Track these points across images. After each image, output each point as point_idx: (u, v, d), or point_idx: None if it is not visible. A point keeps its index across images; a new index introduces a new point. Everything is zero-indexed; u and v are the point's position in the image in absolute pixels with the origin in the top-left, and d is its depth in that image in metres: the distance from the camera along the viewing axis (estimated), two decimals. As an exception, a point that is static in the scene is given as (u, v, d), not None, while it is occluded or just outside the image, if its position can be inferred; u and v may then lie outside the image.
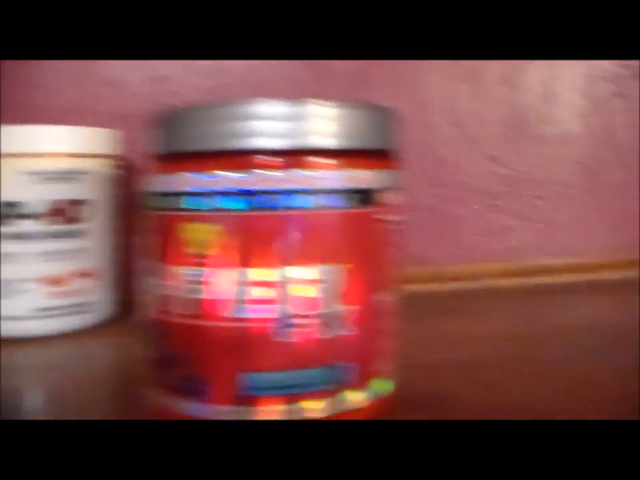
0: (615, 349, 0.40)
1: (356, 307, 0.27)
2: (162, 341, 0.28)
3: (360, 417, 0.27)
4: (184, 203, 0.26)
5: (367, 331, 0.27)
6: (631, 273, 0.63)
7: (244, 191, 0.25)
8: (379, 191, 0.27)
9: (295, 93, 0.56)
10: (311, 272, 0.26)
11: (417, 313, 0.46)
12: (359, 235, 0.27)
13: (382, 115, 0.29)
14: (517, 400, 0.31)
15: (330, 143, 0.26)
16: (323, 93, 0.56)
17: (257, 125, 0.25)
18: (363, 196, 0.27)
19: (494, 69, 0.59)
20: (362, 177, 0.27)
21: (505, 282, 0.59)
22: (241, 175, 0.25)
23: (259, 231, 0.25)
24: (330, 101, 0.26)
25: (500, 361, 0.37)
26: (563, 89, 0.61)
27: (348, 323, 0.26)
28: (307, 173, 0.25)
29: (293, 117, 0.25)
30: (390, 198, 0.28)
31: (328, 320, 0.26)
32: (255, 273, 0.25)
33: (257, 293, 0.25)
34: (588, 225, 0.64)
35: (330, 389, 0.26)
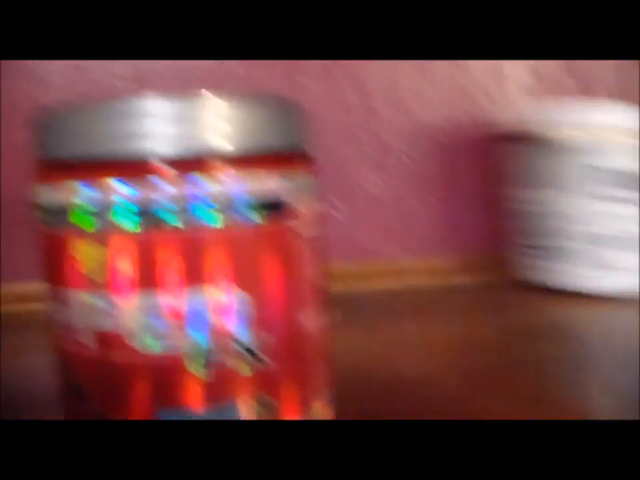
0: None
1: (275, 335, 0.23)
2: (66, 372, 0.24)
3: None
4: (71, 218, 0.22)
5: (289, 360, 0.24)
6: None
7: (136, 205, 0.21)
8: (291, 200, 0.24)
9: (222, 80, 0.52)
10: (221, 299, 0.22)
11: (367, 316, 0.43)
12: (273, 252, 0.23)
13: (290, 111, 0.25)
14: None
15: (231, 145, 0.22)
16: (254, 80, 0.52)
17: (147, 125, 0.21)
18: (274, 208, 0.23)
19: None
20: (271, 184, 0.23)
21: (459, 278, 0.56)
22: (132, 186, 0.21)
23: (157, 252, 0.21)
24: (231, 95, 0.23)
25: (449, 373, 0.34)
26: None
27: (266, 352, 0.23)
28: (208, 182, 0.22)
29: (188, 116, 0.22)
30: (306, 207, 0.24)
31: (243, 350, 0.22)
32: (157, 300, 0.22)
33: (159, 322, 0.22)
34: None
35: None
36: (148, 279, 0.22)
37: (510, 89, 0.58)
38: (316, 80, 0.53)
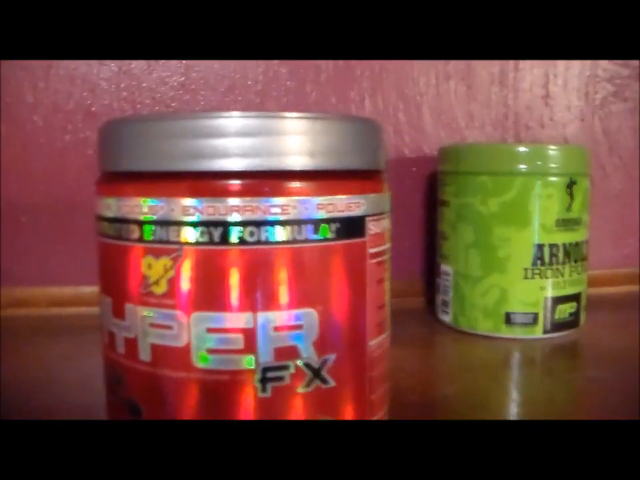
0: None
1: (339, 353, 0.23)
2: (118, 385, 0.24)
3: None
4: (137, 232, 0.23)
5: (351, 380, 0.24)
6: (636, 287, 0.60)
7: (204, 221, 0.22)
8: (365, 219, 0.24)
9: (269, 90, 0.53)
10: (286, 316, 0.22)
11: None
12: (341, 269, 0.23)
13: (367, 130, 0.26)
14: None
15: (306, 163, 0.23)
16: (301, 91, 0.53)
17: (219, 142, 0.22)
18: (346, 226, 0.23)
19: (487, 68, 0.56)
20: (344, 203, 0.23)
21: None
22: (201, 202, 0.22)
23: (225, 269, 0.22)
24: (305, 113, 0.23)
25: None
26: (559, 89, 0.58)
27: (329, 371, 0.23)
28: (279, 200, 0.22)
29: (261, 133, 0.22)
30: (378, 226, 0.25)
31: (306, 369, 0.23)
32: (221, 318, 0.22)
33: (223, 340, 0.22)
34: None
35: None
36: (211, 295, 0.22)
37: (558, 112, 0.58)
38: (366, 96, 0.54)
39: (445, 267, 0.48)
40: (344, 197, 0.23)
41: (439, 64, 0.55)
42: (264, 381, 0.22)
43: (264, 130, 0.22)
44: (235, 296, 0.22)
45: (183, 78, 0.52)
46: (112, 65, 0.51)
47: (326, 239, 0.23)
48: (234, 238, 0.22)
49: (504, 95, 0.57)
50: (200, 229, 0.22)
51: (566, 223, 0.44)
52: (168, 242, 0.22)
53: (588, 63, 0.59)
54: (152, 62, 0.52)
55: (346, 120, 0.24)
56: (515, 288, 0.44)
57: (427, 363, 0.41)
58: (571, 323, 0.46)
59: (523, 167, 0.44)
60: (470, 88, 0.56)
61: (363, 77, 0.54)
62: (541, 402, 0.35)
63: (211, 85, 0.53)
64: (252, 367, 0.22)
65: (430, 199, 0.55)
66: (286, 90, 0.53)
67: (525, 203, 0.43)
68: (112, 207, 0.24)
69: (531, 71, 0.57)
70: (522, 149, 0.44)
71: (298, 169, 0.22)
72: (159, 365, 0.23)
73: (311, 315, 0.23)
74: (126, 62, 0.51)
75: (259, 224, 0.22)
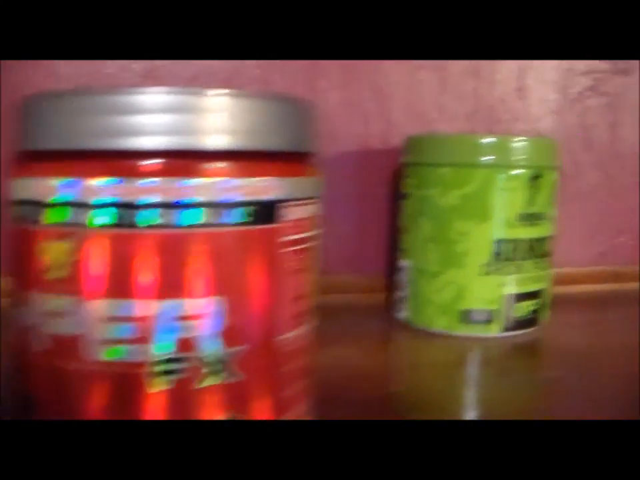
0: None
1: (250, 345, 0.23)
2: (20, 380, 0.24)
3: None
4: (43, 214, 0.22)
5: (263, 373, 0.23)
6: (609, 287, 0.60)
7: (116, 202, 0.21)
8: (280, 203, 0.23)
9: (238, 82, 0.52)
10: (191, 305, 0.22)
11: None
12: (256, 257, 0.23)
13: (294, 111, 0.25)
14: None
15: (224, 142, 0.22)
16: (267, 80, 0.52)
17: (134, 119, 0.21)
18: (258, 210, 0.22)
19: (460, 60, 0.55)
20: (263, 186, 0.23)
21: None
22: (113, 182, 0.21)
23: (124, 253, 0.21)
24: (228, 90, 0.22)
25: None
26: (534, 82, 0.57)
27: (239, 364, 0.22)
28: (194, 181, 0.21)
29: (178, 110, 0.21)
30: (296, 212, 0.24)
31: (214, 361, 0.22)
32: (126, 306, 0.21)
33: (126, 330, 0.21)
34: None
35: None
36: (113, 282, 0.21)
37: (532, 105, 0.57)
38: (335, 87, 0.53)
39: (403, 262, 0.47)
40: (254, 179, 0.22)
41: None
42: (166, 373, 0.22)
43: (176, 107, 0.21)
44: (135, 283, 0.21)
45: (149, 64, 0.52)
46: (72, 48, 0.50)
47: (235, 224, 0.22)
48: (142, 222, 0.21)
49: (476, 87, 0.56)
50: (108, 212, 0.21)
51: (529, 218, 0.44)
52: (72, 224, 0.22)
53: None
54: (113, 45, 0.51)
55: (265, 98, 0.24)
56: (473, 284, 0.43)
57: (377, 361, 0.40)
58: (532, 321, 0.45)
59: (485, 158, 0.43)
60: (442, 79, 0.55)
61: (332, 67, 0.53)
62: (488, 401, 0.34)
63: (175, 73, 0.52)
64: (153, 358, 0.21)
65: (397, 191, 0.54)
66: (252, 79, 0.52)
67: (486, 196, 0.43)
68: (21, 188, 0.23)
69: (505, 64, 0.56)
70: (484, 140, 0.43)
71: (209, 148, 0.22)
72: (57, 355, 0.22)
73: (218, 304, 0.22)
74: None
75: (169, 208, 0.21)
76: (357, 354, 0.41)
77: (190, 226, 0.21)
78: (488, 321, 0.44)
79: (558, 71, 0.58)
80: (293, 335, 0.25)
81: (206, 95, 0.22)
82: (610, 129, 0.59)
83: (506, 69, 0.56)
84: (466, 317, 0.44)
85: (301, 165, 0.25)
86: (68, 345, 0.22)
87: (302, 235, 0.25)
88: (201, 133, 0.22)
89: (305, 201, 0.25)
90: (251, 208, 0.22)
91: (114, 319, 0.21)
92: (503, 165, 0.43)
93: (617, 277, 0.60)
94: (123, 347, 0.21)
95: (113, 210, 0.21)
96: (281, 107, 0.24)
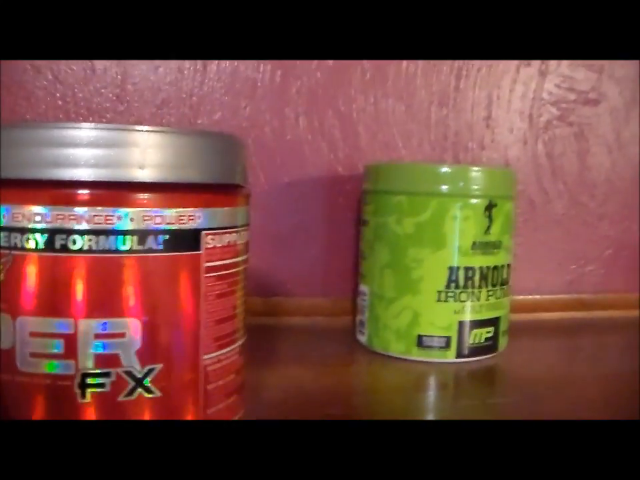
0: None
1: (167, 364, 0.24)
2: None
3: None
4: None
5: (182, 394, 0.25)
6: (578, 315, 0.61)
7: (48, 228, 0.23)
8: (201, 232, 0.25)
9: (203, 106, 0.54)
10: (108, 325, 0.23)
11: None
12: (177, 281, 0.25)
13: (219, 145, 0.27)
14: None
15: (151, 175, 0.24)
16: (235, 107, 0.54)
17: (68, 152, 0.23)
18: (178, 238, 0.24)
19: (427, 88, 0.57)
20: (187, 215, 0.25)
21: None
22: (46, 209, 0.23)
23: (54, 274, 0.23)
24: (153, 126, 0.24)
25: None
26: (502, 111, 0.59)
27: (155, 382, 0.24)
28: (121, 210, 0.23)
29: (108, 144, 0.23)
30: (219, 240, 0.26)
31: (130, 378, 0.24)
32: (54, 323, 0.23)
33: (55, 345, 0.23)
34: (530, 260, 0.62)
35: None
36: (36, 300, 0.23)
37: (499, 134, 0.59)
38: (302, 114, 0.55)
39: (363, 287, 0.49)
40: (179, 209, 0.24)
41: (378, 82, 0.56)
42: (84, 386, 0.23)
43: (106, 142, 0.23)
44: (58, 302, 0.23)
45: (119, 90, 0.54)
46: (48, 74, 0.53)
47: (159, 251, 0.24)
48: (64, 245, 0.23)
49: (444, 115, 0.58)
50: (36, 235, 0.23)
51: (484, 246, 0.45)
52: (7, 247, 0.23)
53: (533, 85, 0.60)
54: (89, 72, 0.53)
55: (190, 134, 0.26)
56: (428, 310, 0.45)
57: (327, 383, 0.41)
58: (488, 348, 0.47)
59: (441, 187, 0.45)
60: (409, 107, 0.57)
61: (300, 94, 0.55)
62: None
63: (145, 98, 0.54)
64: (72, 373, 0.23)
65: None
66: (220, 105, 0.55)
67: (440, 224, 0.44)
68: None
69: (472, 92, 0.58)
70: (440, 169, 0.45)
71: (136, 180, 0.24)
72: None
73: (134, 324, 0.24)
74: (62, 71, 0.53)
75: (93, 233, 0.23)
76: (309, 375, 0.42)
77: (116, 251, 0.23)
78: (443, 347, 0.45)
79: (525, 100, 0.60)
80: (217, 355, 0.26)
81: (134, 131, 0.24)
82: (578, 158, 0.61)
83: (474, 98, 0.58)
84: (421, 342, 0.45)
85: (226, 196, 0.27)
86: (2, 358, 0.24)
87: (226, 262, 0.26)
88: (128, 166, 0.24)
89: (229, 230, 0.26)
90: (175, 236, 0.24)
91: (43, 335, 0.23)
92: (458, 194, 0.45)
93: (585, 306, 0.61)
94: (52, 362, 0.23)
95: (45, 235, 0.23)
96: (206, 142, 0.26)
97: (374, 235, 0.47)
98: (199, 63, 0.54)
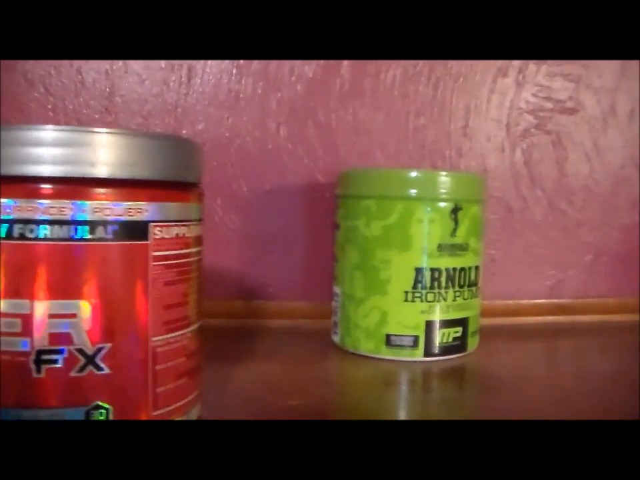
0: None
1: (115, 344, 0.27)
2: None
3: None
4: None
5: (130, 372, 0.28)
6: (559, 319, 0.63)
7: (15, 219, 0.26)
8: (149, 224, 0.28)
9: (185, 116, 0.58)
10: (61, 306, 0.26)
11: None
12: (125, 268, 0.27)
13: (170, 146, 0.30)
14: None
15: (107, 172, 0.27)
16: (217, 117, 0.58)
17: (33, 151, 0.26)
18: (127, 229, 0.27)
19: (405, 98, 0.60)
20: (137, 208, 0.28)
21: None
22: (13, 202, 0.26)
23: (11, 260, 0.26)
24: (108, 128, 0.28)
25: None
26: (480, 120, 0.62)
27: (104, 359, 0.27)
28: (79, 203, 0.26)
29: (69, 144, 0.26)
30: (167, 232, 0.29)
31: (81, 356, 0.27)
32: (15, 304, 0.26)
33: (14, 324, 0.26)
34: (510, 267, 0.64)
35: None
36: (9, 285, 0.26)
37: (477, 142, 0.62)
38: (284, 124, 0.58)
39: (336, 288, 0.51)
40: (130, 202, 0.27)
41: (356, 93, 0.59)
42: (38, 362, 0.26)
43: (67, 142, 0.27)
44: (18, 285, 0.26)
45: (107, 102, 0.58)
46: (40, 87, 0.57)
47: (110, 240, 0.27)
48: (28, 235, 0.26)
49: (422, 125, 0.61)
50: (4, 225, 0.26)
51: (450, 248, 0.48)
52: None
53: (511, 94, 0.62)
54: (78, 85, 0.57)
55: (144, 136, 0.29)
56: (396, 310, 0.47)
57: (293, 377, 0.44)
58: (457, 347, 0.49)
59: (407, 192, 0.47)
60: (387, 117, 0.60)
61: (280, 105, 0.59)
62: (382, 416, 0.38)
63: (132, 109, 0.58)
64: (27, 349, 0.26)
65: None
66: (203, 115, 0.58)
67: (407, 226, 0.47)
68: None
69: (450, 102, 0.61)
70: (405, 174, 0.48)
71: (94, 176, 0.27)
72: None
73: (85, 306, 0.27)
74: (53, 84, 0.57)
75: (54, 223, 0.26)
76: (278, 370, 0.45)
77: (70, 239, 0.26)
78: (411, 346, 0.48)
79: (502, 110, 0.62)
80: (166, 338, 0.29)
81: (92, 132, 0.27)
82: (557, 166, 0.64)
83: (451, 108, 0.61)
84: (390, 341, 0.48)
85: (175, 192, 0.30)
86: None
87: (174, 252, 0.29)
88: (87, 164, 0.27)
89: (178, 223, 0.29)
90: (124, 227, 0.27)
91: (5, 315, 0.26)
92: (424, 198, 0.47)
93: (565, 310, 0.63)
94: (11, 339, 0.26)
95: (10, 225, 0.26)
96: (156, 143, 0.29)
97: (345, 238, 0.50)
98: (184, 75, 0.58)
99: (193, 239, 0.31)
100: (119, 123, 0.58)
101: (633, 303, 0.65)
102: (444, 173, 0.49)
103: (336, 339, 0.51)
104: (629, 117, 0.65)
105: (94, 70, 0.57)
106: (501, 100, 0.62)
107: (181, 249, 0.30)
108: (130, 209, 0.28)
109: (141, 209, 0.28)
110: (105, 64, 0.57)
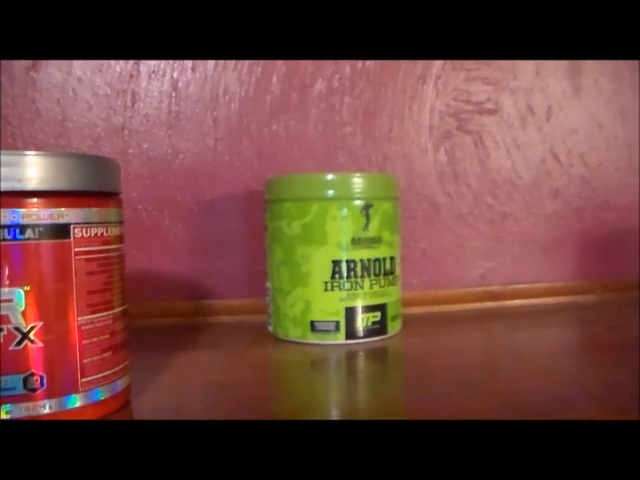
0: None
1: (45, 322, 0.36)
2: None
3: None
4: None
5: (60, 345, 0.37)
6: (490, 305, 0.72)
7: None
8: (79, 226, 0.37)
9: (134, 139, 0.67)
10: (8, 292, 0.36)
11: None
12: (52, 261, 0.37)
13: (89, 163, 0.39)
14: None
15: (36, 185, 0.36)
16: (156, 137, 0.67)
17: None
18: (52, 230, 0.37)
19: (333, 109, 0.70)
20: (61, 213, 0.37)
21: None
22: None
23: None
24: (35, 151, 0.37)
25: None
26: (409, 124, 0.71)
27: (37, 335, 0.36)
28: (14, 210, 0.35)
29: (7, 164, 0.36)
30: (87, 232, 0.38)
31: (16, 333, 0.36)
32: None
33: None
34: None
35: (23, 394, 0.36)
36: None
37: (403, 145, 0.71)
38: (217, 137, 0.68)
39: (267, 283, 0.61)
40: (56, 209, 0.37)
41: (287, 108, 0.69)
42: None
43: (9, 162, 0.36)
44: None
45: (60, 127, 0.67)
46: (-2, 118, 0.67)
47: (40, 239, 0.36)
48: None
49: (349, 132, 0.70)
50: None
51: (363, 242, 0.57)
52: None
53: (432, 98, 0.72)
54: (33, 114, 0.67)
55: (68, 156, 0.38)
56: (317, 299, 0.57)
57: (222, 359, 0.53)
58: (376, 331, 0.58)
59: (321, 193, 0.57)
60: (315, 128, 0.70)
61: (217, 122, 0.68)
62: (293, 396, 0.46)
63: (83, 133, 0.67)
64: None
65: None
66: (148, 135, 0.68)
67: (322, 224, 0.56)
68: None
69: (374, 110, 0.71)
70: (319, 177, 0.57)
71: (26, 189, 0.36)
72: None
73: (19, 292, 0.36)
74: (10, 114, 0.66)
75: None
76: (211, 355, 0.54)
77: (7, 240, 0.35)
78: (333, 330, 0.57)
79: (423, 114, 0.72)
80: (90, 318, 0.38)
81: (22, 155, 0.37)
82: (480, 163, 0.73)
83: (376, 115, 0.71)
84: (314, 327, 0.57)
85: (94, 199, 0.39)
86: None
87: (95, 248, 0.39)
88: (22, 179, 0.36)
89: (97, 224, 0.39)
90: (50, 228, 0.36)
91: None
92: (336, 198, 0.56)
93: (496, 296, 0.72)
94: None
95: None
96: (76, 161, 0.38)
97: (271, 238, 0.59)
98: (128, 100, 0.68)
99: (113, 238, 0.40)
100: (72, 146, 0.67)
101: (563, 287, 0.74)
102: (355, 175, 0.58)
103: (270, 328, 0.60)
104: (546, 114, 0.75)
105: (47, 99, 0.67)
106: (421, 105, 0.72)
107: (100, 245, 0.39)
108: (53, 214, 0.37)
109: (62, 214, 0.37)
110: (56, 94, 0.67)
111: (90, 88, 0.67)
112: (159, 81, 0.68)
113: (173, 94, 0.68)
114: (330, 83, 0.70)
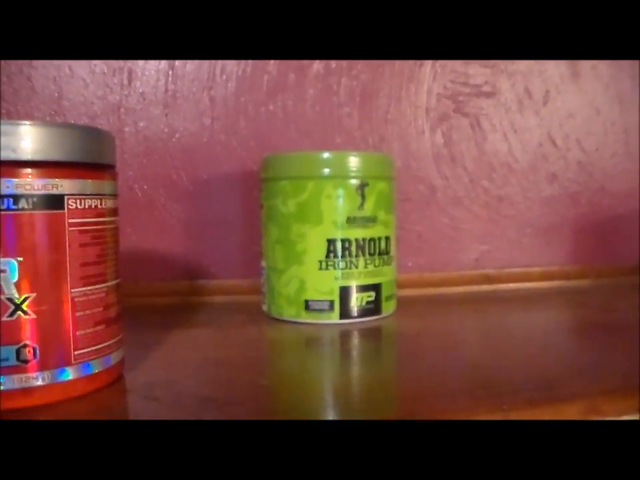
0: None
1: (37, 293, 0.36)
2: None
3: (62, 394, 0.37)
4: None
5: (53, 317, 0.37)
6: (485, 288, 0.72)
7: None
8: (73, 197, 0.37)
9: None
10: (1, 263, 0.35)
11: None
12: (42, 234, 0.37)
13: (84, 134, 0.39)
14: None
15: (32, 155, 0.36)
16: (149, 115, 0.67)
17: None
18: (46, 201, 0.36)
19: (331, 90, 0.70)
20: (55, 184, 0.37)
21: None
22: None
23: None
24: (30, 121, 0.37)
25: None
26: (402, 107, 0.71)
27: (29, 305, 0.36)
28: (10, 180, 0.35)
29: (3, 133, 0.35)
30: (81, 203, 0.38)
31: (9, 302, 0.36)
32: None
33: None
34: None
35: (16, 365, 0.36)
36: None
37: (400, 127, 0.71)
38: (217, 119, 0.67)
39: (262, 262, 0.61)
40: (50, 179, 0.36)
41: (284, 87, 0.69)
42: (-22, 309, 0.35)
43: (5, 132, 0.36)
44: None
45: (56, 105, 0.67)
46: (-7, 95, 0.66)
47: (27, 209, 0.36)
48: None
49: (346, 113, 0.70)
50: None
51: (358, 221, 0.57)
52: None
53: (429, 80, 0.72)
54: (29, 91, 0.66)
55: (62, 127, 0.38)
56: (312, 278, 0.57)
57: (217, 337, 0.53)
58: (371, 310, 0.58)
59: (317, 171, 0.56)
60: (313, 108, 0.69)
61: (214, 101, 0.68)
62: (286, 373, 0.46)
63: (79, 111, 0.67)
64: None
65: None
66: (144, 114, 0.67)
67: (317, 202, 0.56)
68: None
69: (371, 91, 0.70)
70: (315, 155, 0.57)
71: (22, 159, 0.36)
72: None
73: (12, 263, 0.36)
74: (6, 92, 0.66)
75: None
76: (206, 333, 0.54)
77: (5, 210, 0.35)
78: (328, 310, 0.57)
79: (421, 96, 0.72)
80: (83, 290, 0.38)
81: (17, 125, 0.36)
82: (476, 146, 0.73)
83: (373, 97, 0.70)
84: (309, 306, 0.57)
85: (88, 171, 0.39)
86: None
87: (89, 220, 0.38)
88: (17, 149, 0.36)
89: (91, 196, 0.39)
90: (44, 199, 0.36)
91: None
92: (332, 176, 0.56)
93: (491, 279, 0.72)
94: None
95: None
96: (71, 132, 0.38)
97: (267, 217, 0.59)
98: (125, 78, 0.67)
99: (107, 210, 0.40)
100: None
101: (558, 271, 0.74)
102: (350, 153, 0.58)
103: (264, 308, 0.60)
104: (544, 98, 0.74)
105: (43, 77, 0.66)
106: (419, 87, 0.71)
107: (94, 217, 0.39)
108: (47, 184, 0.37)
109: (57, 185, 0.37)
110: (52, 71, 0.67)
111: (86, 65, 0.66)
112: (156, 59, 0.67)
113: (170, 72, 0.68)
114: (327, 64, 0.69)
